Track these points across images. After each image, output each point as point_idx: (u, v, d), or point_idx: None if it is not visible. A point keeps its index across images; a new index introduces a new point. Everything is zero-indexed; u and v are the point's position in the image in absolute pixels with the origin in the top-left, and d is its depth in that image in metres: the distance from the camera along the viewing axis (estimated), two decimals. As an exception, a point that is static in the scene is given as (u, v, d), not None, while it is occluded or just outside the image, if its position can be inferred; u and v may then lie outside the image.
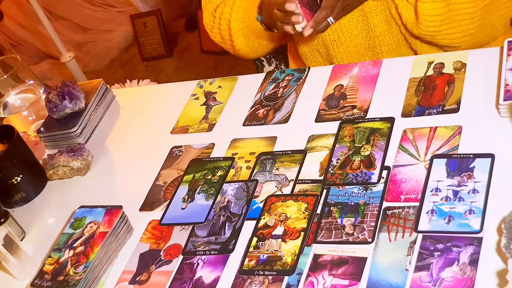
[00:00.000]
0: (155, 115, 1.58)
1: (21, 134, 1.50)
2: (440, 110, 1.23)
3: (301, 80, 1.45)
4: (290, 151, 1.29)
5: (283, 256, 1.10)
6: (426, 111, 1.24)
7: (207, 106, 1.51)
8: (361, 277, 1.02)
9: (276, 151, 1.31)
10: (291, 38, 1.65)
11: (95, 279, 1.21)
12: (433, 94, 1.27)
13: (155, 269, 1.19)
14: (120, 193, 1.41)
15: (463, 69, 1.28)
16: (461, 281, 0.95)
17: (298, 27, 1.36)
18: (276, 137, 1.35)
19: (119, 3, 3.93)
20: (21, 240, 1.36)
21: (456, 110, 1.21)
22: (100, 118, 1.62)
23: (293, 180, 1.23)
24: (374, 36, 1.51)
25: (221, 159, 1.34)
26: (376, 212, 1.10)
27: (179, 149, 1.43)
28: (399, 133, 1.22)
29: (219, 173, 1.31)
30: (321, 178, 1.21)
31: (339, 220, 1.12)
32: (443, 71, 1.30)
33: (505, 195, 1.04)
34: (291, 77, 1.47)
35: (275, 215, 1.17)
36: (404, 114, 1.26)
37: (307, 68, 1.48)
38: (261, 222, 1.17)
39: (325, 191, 1.18)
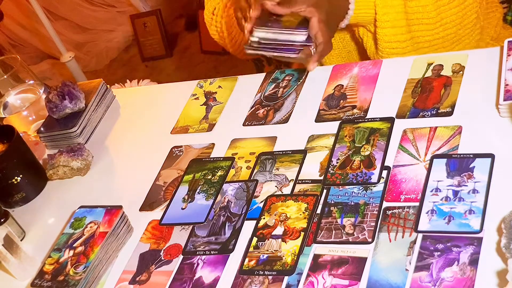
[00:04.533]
0: (155, 115, 1.58)
1: (21, 134, 1.50)
2: (434, 112, 1.23)
3: (301, 80, 1.45)
4: (290, 151, 1.29)
5: (283, 256, 1.10)
6: (421, 113, 1.23)
7: (207, 106, 1.51)
8: (361, 277, 1.02)
9: (276, 151, 1.31)
10: None
11: (95, 279, 1.21)
12: (429, 96, 1.26)
13: (155, 269, 1.19)
14: (120, 193, 1.41)
15: (461, 72, 1.28)
16: (461, 281, 0.95)
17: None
18: (276, 137, 1.35)
19: (119, 3, 3.93)
20: (21, 240, 1.36)
21: (450, 113, 1.21)
22: (100, 118, 1.62)
23: (293, 180, 1.23)
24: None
25: (221, 159, 1.34)
26: (376, 212, 1.10)
27: (179, 149, 1.43)
28: (399, 133, 1.22)
29: (219, 173, 1.31)
30: (321, 178, 1.21)
31: (339, 220, 1.12)
32: (441, 73, 1.29)
33: (505, 195, 1.04)
34: (291, 77, 1.47)
35: (275, 215, 1.17)
36: (399, 115, 1.25)
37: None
38: (261, 222, 1.17)
39: (325, 191, 1.18)
